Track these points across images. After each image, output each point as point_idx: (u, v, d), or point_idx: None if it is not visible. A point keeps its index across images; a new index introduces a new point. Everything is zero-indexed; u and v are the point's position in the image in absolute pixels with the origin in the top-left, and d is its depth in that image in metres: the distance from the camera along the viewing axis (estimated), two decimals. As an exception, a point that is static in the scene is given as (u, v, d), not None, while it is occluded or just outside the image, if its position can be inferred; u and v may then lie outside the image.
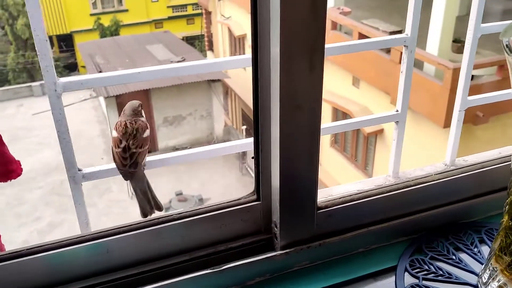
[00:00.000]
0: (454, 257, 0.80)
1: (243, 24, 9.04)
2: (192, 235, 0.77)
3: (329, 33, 6.87)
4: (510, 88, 0.81)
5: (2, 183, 0.76)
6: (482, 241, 0.83)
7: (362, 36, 6.27)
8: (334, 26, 6.92)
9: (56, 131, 0.73)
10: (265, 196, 0.77)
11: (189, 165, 8.10)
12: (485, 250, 0.81)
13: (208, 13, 11.15)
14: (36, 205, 8.08)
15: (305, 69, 0.65)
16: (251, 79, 0.68)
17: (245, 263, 0.76)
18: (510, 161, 0.78)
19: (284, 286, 0.76)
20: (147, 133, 0.83)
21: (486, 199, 0.89)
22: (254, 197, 0.78)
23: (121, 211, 7.95)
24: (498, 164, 0.90)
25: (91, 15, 15.58)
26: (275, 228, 0.77)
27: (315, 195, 0.76)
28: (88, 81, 0.72)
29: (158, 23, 16.33)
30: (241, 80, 9.11)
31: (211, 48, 11.47)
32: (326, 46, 0.68)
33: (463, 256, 0.80)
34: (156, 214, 0.79)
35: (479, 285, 0.74)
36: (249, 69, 0.69)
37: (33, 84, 12.27)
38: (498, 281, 0.70)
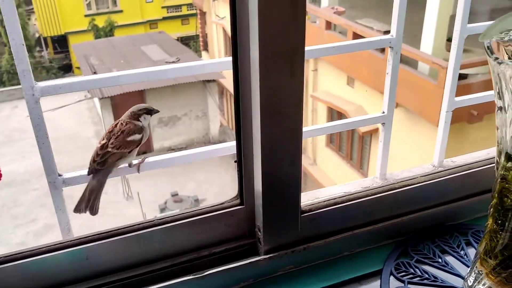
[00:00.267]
0: (440, 260, 0.79)
1: (237, 24, 8.99)
2: (175, 241, 0.76)
3: (323, 33, 6.90)
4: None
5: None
6: (468, 244, 0.83)
7: (356, 35, 6.27)
8: (329, 26, 6.91)
9: (35, 136, 0.72)
10: (248, 200, 0.76)
11: (185, 165, 8.08)
12: (471, 252, 0.81)
13: (203, 14, 11.13)
14: (32, 207, 8.05)
15: (285, 73, 0.64)
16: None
17: (229, 268, 0.75)
18: (496, 162, 0.78)
19: (268, 291, 0.75)
20: (134, 137, 0.81)
21: (473, 200, 0.88)
22: (238, 201, 0.77)
23: (116, 213, 7.92)
24: (485, 165, 0.90)
25: (86, 16, 15.53)
26: (259, 233, 0.76)
27: (298, 199, 0.75)
28: (67, 85, 0.71)
29: (152, 23, 16.29)
30: (236, 80, 9.07)
31: (206, 48, 11.44)
32: (307, 48, 0.67)
33: (449, 259, 0.80)
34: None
35: (464, 289, 0.73)
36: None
37: (28, 85, 12.16)
38: (484, 284, 0.69)
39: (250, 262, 0.76)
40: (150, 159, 0.81)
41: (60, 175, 0.75)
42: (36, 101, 0.69)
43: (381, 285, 0.75)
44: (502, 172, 0.62)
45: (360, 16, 6.88)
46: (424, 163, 0.99)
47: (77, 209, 0.77)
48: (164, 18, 16.48)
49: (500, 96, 0.57)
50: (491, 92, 1.02)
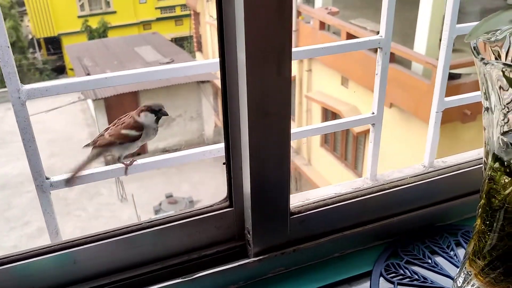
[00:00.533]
0: (430, 261, 0.79)
1: (231, 25, 8.98)
2: (165, 243, 0.75)
3: (317, 33, 6.91)
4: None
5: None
6: (458, 244, 0.83)
7: (350, 36, 6.28)
8: (322, 26, 6.93)
9: (22, 139, 0.71)
10: (237, 203, 0.76)
11: (179, 167, 8.07)
12: (461, 253, 0.81)
13: (197, 14, 11.11)
14: (25, 210, 8.00)
15: (272, 73, 0.63)
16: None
17: (218, 270, 0.74)
18: (484, 163, 0.78)
19: (258, 294, 0.75)
20: (129, 131, 0.81)
21: (462, 201, 0.88)
22: (227, 203, 0.77)
23: (111, 215, 7.90)
24: (475, 166, 0.90)
25: (79, 17, 15.46)
26: (248, 235, 0.76)
27: (287, 201, 0.74)
28: (53, 88, 0.70)
29: (146, 24, 16.25)
30: (230, 81, 9.06)
31: (200, 49, 11.43)
32: (295, 49, 0.66)
33: (439, 259, 0.80)
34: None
35: (454, 289, 0.73)
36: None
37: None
38: (473, 285, 0.69)
39: (240, 265, 0.75)
40: (139, 161, 0.81)
41: (47, 178, 0.74)
42: (22, 104, 0.68)
43: (371, 286, 0.75)
44: (489, 173, 0.62)
45: (354, 16, 6.89)
46: (418, 162, 0.99)
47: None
48: (158, 19, 16.45)
49: (487, 96, 0.57)
50: (479, 93, 1.02)
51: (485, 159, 0.63)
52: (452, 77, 4.91)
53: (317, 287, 0.75)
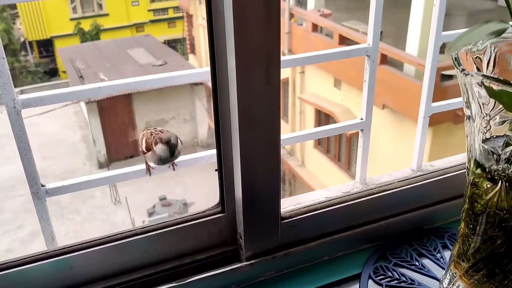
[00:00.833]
0: (417, 263, 0.81)
1: (224, 27, 9.00)
2: (158, 249, 0.77)
3: (310, 35, 6.94)
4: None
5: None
6: (444, 247, 0.85)
7: (342, 38, 6.32)
8: (315, 28, 6.96)
9: (17, 147, 0.72)
10: (229, 208, 0.78)
11: (172, 169, 8.05)
12: (447, 255, 0.83)
13: (190, 16, 11.12)
14: (17, 214, 7.97)
15: (262, 83, 0.65)
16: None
17: (211, 275, 0.76)
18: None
19: (250, 297, 0.77)
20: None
21: (449, 204, 0.90)
22: (219, 208, 0.79)
23: (104, 218, 7.88)
24: (461, 170, 0.92)
25: (71, 19, 15.42)
26: (240, 240, 0.78)
27: (278, 206, 0.76)
28: (48, 97, 0.72)
29: (139, 26, 16.24)
30: (224, 83, 9.07)
31: (193, 51, 11.44)
32: (283, 58, 0.68)
33: (426, 262, 0.82)
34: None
35: (440, 291, 0.75)
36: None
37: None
38: (458, 286, 0.71)
39: (232, 269, 0.77)
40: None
41: (43, 186, 0.76)
42: (18, 113, 0.70)
43: (360, 288, 0.77)
44: (472, 178, 0.64)
45: (346, 19, 6.94)
46: (410, 162, 1.01)
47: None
48: (151, 21, 16.44)
49: (468, 105, 0.60)
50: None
51: (468, 165, 0.66)
52: (447, 77, 4.96)
53: (307, 290, 0.77)
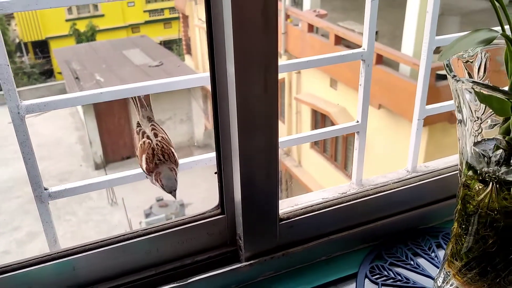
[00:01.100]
0: (412, 263, 0.83)
1: (220, 28, 9.01)
2: (158, 250, 0.79)
3: (306, 36, 6.96)
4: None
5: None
6: (439, 246, 0.87)
7: (338, 38, 6.35)
8: (311, 28, 6.99)
9: (21, 151, 0.74)
10: (229, 210, 0.80)
11: (169, 170, 8.05)
12: (441, 254, 0.85)
13: (185, 17, 11.13)
14: (15, 215, 7.96)
15: (260, 88, 0.67)
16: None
17: (211, 275, 0.78)
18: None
19: (249, 296, 0.79)
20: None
21: (443, 204, 0.93)
22: (219, 210, 0.81)
23: (101, 219, 7.88)
24: (455, 171, 0.94)
25: (67, 20, 15.40)
26: (240, 241, 0.80)
27: (276, 208, 0.78)
28: (51, 103, 0.73)
29: (135, 27, 16.23)
30: (220, 83, 9.08)
31: (189, 52, 11.45)
32: (281, 63, 0.70)
33: (421, 261, 0.84)
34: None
35: (434, 289, 0.77)
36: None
37: (8, 91, 12.01)
38: (451, 284, 0.73)
39: (231, 269, 0.79)
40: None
41: (46, 189, 0.77)
42: (22, 119, 0.72)
43: (356, 287, 0.79)
44: (464, 180, 0.66)
45: (342, 19, 6.97)
46: (405, 162, 1.03)
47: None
48: (146, 22, 16.43)
49: (460, 110, 0.62)
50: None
51: (460, 167, 0.68)
52: (441, 77, 4.99)
53: (305, 289, 0.79)
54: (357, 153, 0.96)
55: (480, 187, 0.64)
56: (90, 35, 14.90)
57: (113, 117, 9.31)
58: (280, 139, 0.79)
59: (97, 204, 8.34)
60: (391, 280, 0.80)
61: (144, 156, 0.77)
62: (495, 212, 0.63)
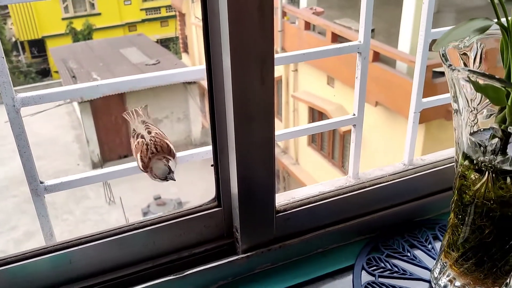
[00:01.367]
0: (409, 254, 0.84)
1: (217, 26, 9.00)
2: (155, 243, 0.79)
3: (302, 33, 6.96)
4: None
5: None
6: (435, 238, 0.87)
7: (335, 35, 6.35)
8: (308, 26, 6.99)
9: (16, 145, 0.74)
10: (226, 202, 0.79)
11: (167, 168, 8.04)
12: (438, 246, 0.85)
13: (182, 15, 11.11)
14: (11, 214, 7.94)
15: (256, 79, 0.67)
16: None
17: (208, 267, 0.78)
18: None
19: (246, 289, 0.79)
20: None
21: (439, 196, 0.93)
22: (215, 203, 0.81)
23: (98, 218, 7.87)
24: (450, 163, 0.94)
25: (63, 19, 15.35)
26: (237, 233, 0.80)
27: (273, 200, 0.78)
28: (47, 96, 0.73)
29: (131, 26, 16.19)
30: (217, 81, 9.07)
31: (186, 50, 11.43)
32: (277, 56, 0.70)
33: (418, 252, 0.84)
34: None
35: (431, 280, 0.77)
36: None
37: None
38: (448, 275, 0.73)
39: (228, 261, 0.79)
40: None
41: (42, 182, 0.77)
42: (17, 112, 0.71)
43: (353, 279, 0.79)
44: (460, 170, 0.67)
45: (338, 16, 6.97)
46: (402, 159, 1.03)
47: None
48: (143, 20, 16.40)
49: (455, 99, 0.62)
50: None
51: (456, 157, 0.68)
52: (438, 74, 5.00)
53: (302, 281, 0.79)
54: (354, 146, 0.96)
55: (476, 177, 0.64)
56: (86, 34, 14.86)
57: (110, 115, 9.30)
58: (277, 132, 0.79)
59: (94, 203, 8.33)
60: (388, 272, 0.80)
61: (138, 155, 0.78)
62: (491, 202, 0.63)
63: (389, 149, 5.64)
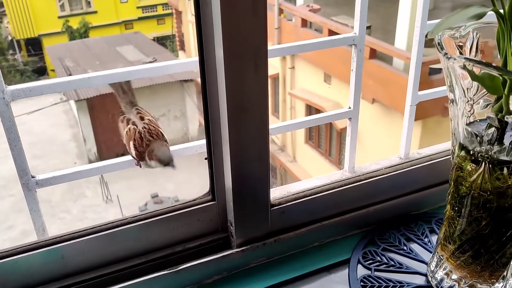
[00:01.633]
0: (405, 248, 0.83)
1: (214, 24, 8.99)
2: (148, 238, 0.78)
3: (299, 30, 6.95)
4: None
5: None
6: (432, 231, 0.87)
7: (332, 32, 6.34)
8: (304, 23, 6.98)
9: (7, 138, 0.72)
10: (220, 196, 0.79)
11: (164, 166, 8.03)
12: (435, 239, 0.84)
13: (179, 13, 11.09)
14: (8, 214, 7.91)
15: (249, 72, 0.66)
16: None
17: (203, 262, 0.77)
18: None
19: (242, 283, 0.78)
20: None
21: (435, 190, 0.92)
22: (210, 197, 0.80)
23: (95, 216, 7.85)
24: (446, 156, 0.94)
25: (59, 17, 15.29)
26: (231, 227, 0.79)
27: (267, 194, 0.77)
28: (37, 88, 0.72)
29: (128, 24, 16.15)
30: (214, 79, 9.06)
31: (182, 48, 11.40)
32: (270, 47, 0.69)
33: (414, 246, 0.83)
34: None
35: (428, 273, 0.77)
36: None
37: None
38: (444, 268, 0.73)
39: (223, 256, 0.78)
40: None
41: (33, 177, 0.76)
42: (7, 104, 0.70)
43: (349, 273, 0.78)
44: (457, 161, 0.66)
45: (335, 14, 6.97)
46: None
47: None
48: (140, 18, 16.35)
49: (451, 89, 0.61)
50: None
51: (452, 148, 0.67)
52: (435, 71, 5.00)
53: (298, 275, 0.78)
54: (350, 139, 0.95)
55: (472, 167, 0.63)
56: (83, 32, 14.80)
57: (107, 114, 9.27)
58: (272, 126, 0.78)
59: (91, 201, 8.31)
60: (384, 265, 0.79)
61: (131, 143, 0.75)
62: (488, 193, 0.62)
63: (386, 146, 5.64)
